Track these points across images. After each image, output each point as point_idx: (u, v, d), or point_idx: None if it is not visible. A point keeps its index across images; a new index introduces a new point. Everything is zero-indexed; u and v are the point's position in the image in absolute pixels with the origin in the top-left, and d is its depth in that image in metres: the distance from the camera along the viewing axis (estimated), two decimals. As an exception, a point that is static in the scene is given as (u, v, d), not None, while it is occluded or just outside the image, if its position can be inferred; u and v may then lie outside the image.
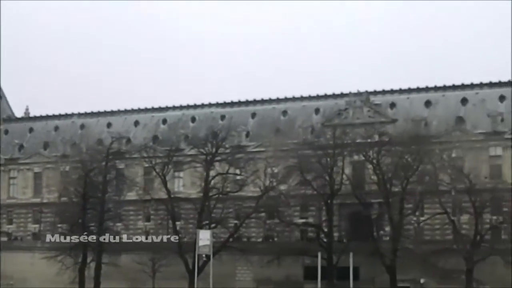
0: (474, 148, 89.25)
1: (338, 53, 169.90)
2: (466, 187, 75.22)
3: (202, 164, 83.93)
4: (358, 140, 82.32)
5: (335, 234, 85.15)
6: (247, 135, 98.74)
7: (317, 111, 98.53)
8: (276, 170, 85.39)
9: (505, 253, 73.11)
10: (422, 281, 74.54)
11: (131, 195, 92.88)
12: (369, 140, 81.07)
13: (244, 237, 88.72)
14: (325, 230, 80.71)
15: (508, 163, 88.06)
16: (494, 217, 77.30)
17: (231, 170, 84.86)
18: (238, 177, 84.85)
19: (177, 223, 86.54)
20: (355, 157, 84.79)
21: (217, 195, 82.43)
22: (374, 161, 78.07)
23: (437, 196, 75.66)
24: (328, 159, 79.73)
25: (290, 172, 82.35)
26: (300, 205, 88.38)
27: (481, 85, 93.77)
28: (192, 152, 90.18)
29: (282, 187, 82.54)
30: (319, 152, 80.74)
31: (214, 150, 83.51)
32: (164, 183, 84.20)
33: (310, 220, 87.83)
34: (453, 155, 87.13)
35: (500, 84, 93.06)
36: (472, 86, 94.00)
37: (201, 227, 77.80)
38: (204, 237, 69.11)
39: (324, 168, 79.35)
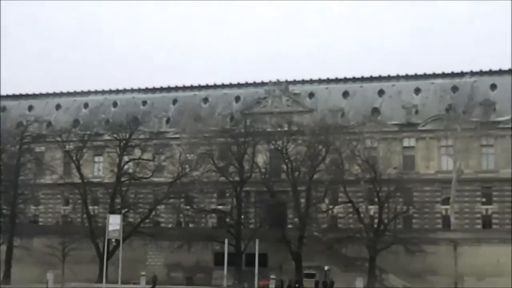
0: (388, 139, 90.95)
1: (261, 42, 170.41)
2: (372, 177, 76.57)
3: (116, 150, 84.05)
4: (269, 129, 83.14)
5: (251, 221, 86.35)
6: (168, 121, 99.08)
7: (237, 99, 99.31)
8: (190, 157, 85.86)
9: (407, 242, 74.64)
10: (326, 268, 75.60)
11: (50, 179, 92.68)
12: (278, 129, 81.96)
13: (156, 222, 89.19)
14: (235, 217, 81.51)
15: (421, 154, 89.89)
16: (399, 207, 78.80)
17: (146, 156, 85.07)
18: (151, 163, 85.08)
19: (94, 207, 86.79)
20: (272, 146, 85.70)
21: (128, 180, 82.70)
22: (283, 150, 79.03)
23: (343, 185, 76.83)
24: (240, 146, 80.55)
25: (203, 159, 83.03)
26: (218, 192, 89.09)
27: (397, 77, 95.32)
28: (109, 137, 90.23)
29: (195, 174, 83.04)
30: (231, 140, 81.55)
31: (128, 135, 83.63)
32: (77, 167, 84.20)
33: (227, 207, 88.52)
34: (367, 145, 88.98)
35: (416, 76, 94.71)
36: (389, 78, 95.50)
37: (113, 211, 77.89)
38: (114, 222, 69.04)
39: (234, 156, 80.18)
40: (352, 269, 76.19)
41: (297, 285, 73.33)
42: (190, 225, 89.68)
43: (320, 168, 77.62)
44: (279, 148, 79.45)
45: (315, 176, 77.70)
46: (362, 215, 76.80)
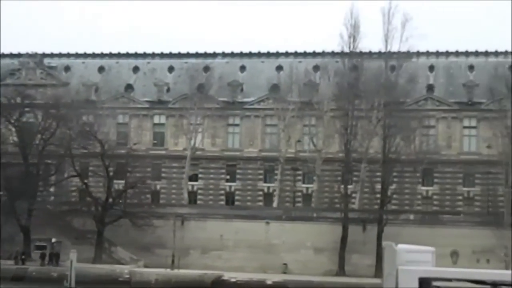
0: (139, 115, 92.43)
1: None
2: (101, 152, 77.68)
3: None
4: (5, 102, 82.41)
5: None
6: None
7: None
8: None
9: (135, 216, 76.36)
10: (53, 240, 76.20)
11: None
12: (12, 101, 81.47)
13: None
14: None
15: (170, 131, 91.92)
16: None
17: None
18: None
19: None
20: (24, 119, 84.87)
21: None
22: (16, 122, 78.74)
23: (72, 160, 77.53)
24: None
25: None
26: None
27: (153, 55, 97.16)
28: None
29: None
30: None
31: None
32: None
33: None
34: (120, 121, 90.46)
35: (170, 55, 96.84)
36: (144, 55, 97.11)
37: None
38: None
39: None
40: (82, 242, 76.97)
41: (23, 257, 73.76)
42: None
43: (52, 141, 77.85)
44: (12, 121, 78.99)
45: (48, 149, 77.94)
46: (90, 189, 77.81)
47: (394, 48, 78.60)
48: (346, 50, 78.76)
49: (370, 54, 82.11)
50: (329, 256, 76.01)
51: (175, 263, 72.48)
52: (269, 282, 69.68)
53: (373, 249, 73.98)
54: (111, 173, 77.20)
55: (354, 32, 77.94)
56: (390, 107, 77.61)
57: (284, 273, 74.93)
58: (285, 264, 76.11)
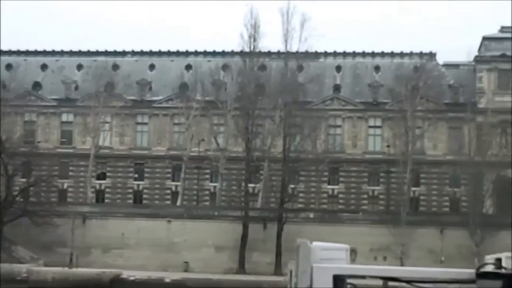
0: (47, 113, 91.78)
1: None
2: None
3: None
4: None
5: None
6: None
7: None
8: None
9: (34, 214, 75.73)
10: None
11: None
12: None
13: None
14: None
15: (78, 129, 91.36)
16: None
17: None
18: None
19: None
20: None
21: None
22: None
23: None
24: None
25: None
26: None
27: (62, 53, 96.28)
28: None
29: None
30: None
31: None
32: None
33: None
34: (27, 119, 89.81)
35: (79, 53, 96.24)
36: (53, 53, 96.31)
37: None
38: None
39: None
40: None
41: None
42: None
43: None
44: None
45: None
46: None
47: (294, 48, 79.57)
48: (247, 50, 79.37)
49: (278, 54, 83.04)
50: (230, 254, 76.55)
51: (74, 262, 72.10)
52: (167, 280, 69.96)
53: (273, 247, 74.90)
54: (9, 172, 76.40)
55: (254, 32, 78.67)
56: (290, 106, 78.40)
57: (186, 271, 75.25)
58: (186, 262, 76.43)
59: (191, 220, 78.41)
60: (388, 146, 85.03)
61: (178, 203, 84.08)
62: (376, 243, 75.65)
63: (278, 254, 74.37)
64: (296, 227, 74.41)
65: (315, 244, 14.50)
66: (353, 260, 71.13)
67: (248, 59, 79.58)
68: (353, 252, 79.62)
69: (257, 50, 79.23)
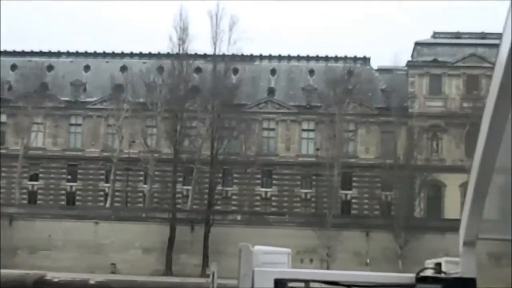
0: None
1: None
2: None
3: None
4: None
5: None
6: None
7: None
8: None
9: None
10: None
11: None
12: None
13: None
14: None
15: (11, 130, 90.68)
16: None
17: None
18: None
19: None
20: None
21: None
22: None
23: None
24: None
25: None
26: None
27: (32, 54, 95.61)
28: None
29: None
30: None
31: None
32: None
33: None
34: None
35: (14, 53, 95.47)
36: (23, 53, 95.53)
37: None
38: None
39: None
40: None
41: None
42: None
43: None
44: None
45: None
46: None
47: (223, 50, 79.87)
48: (176, 52, 79.52)
49: (205, 56, 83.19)
50: (157, 256, 76.52)
51: (-3, 263, 71.43)
52: (92, 282, 69.60)
53: (201, 249, 75.05)
54: None
55: (183, 34, 78.80)
56: (219, 108, 78.66)
57: (113, 273, 74.97)
58: (113, 264, 76.23)
59: (119, 221, 78.18)
60: (317, 149, 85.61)
61: (107, 204, 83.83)
62: (303, 246, 75.87)
63: (205, 256, 74.51)
64: (223, 229, 74.78)
65: (257, 248, 14.56)
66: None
67: (176, 61, 79.64)
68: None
69: (186, 52, 79.22)
